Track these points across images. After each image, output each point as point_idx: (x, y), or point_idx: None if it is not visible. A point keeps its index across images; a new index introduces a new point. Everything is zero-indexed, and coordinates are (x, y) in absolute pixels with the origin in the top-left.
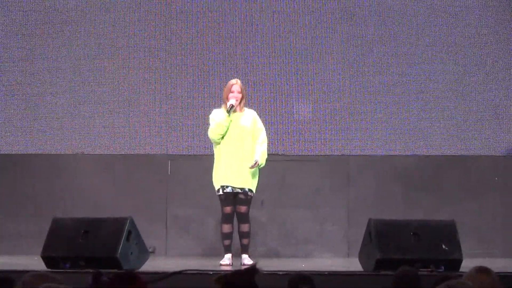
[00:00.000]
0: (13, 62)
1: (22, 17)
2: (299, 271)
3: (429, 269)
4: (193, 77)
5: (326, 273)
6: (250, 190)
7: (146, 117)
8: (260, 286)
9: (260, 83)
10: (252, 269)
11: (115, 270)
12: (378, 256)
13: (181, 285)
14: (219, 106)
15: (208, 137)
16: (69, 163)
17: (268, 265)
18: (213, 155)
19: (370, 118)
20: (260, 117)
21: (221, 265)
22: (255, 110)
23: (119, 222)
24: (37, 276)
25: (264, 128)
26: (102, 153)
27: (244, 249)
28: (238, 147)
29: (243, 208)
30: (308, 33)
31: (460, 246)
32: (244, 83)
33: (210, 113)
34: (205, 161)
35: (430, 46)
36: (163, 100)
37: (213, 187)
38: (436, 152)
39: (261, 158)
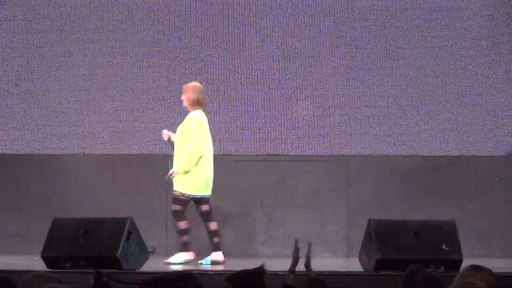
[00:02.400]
0: (14, 62)
1: (23, 17)
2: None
3: (429, 269)
4: (192, 77)
5: (326, 273)
6: (175, 191)
7: (146, 117)
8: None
9: (260, 83)
10: (260, 269)
11: (116, 270)
12: (378, 256)
13: None
14: (218, 106)
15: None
16: (69, 163)
17: (268, 265)
18: (214, 155)
19: (370, 118)
20: (260, 116)
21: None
22: (255, 110)
23: (119, 222)
24: (38, 276)
25: (190, 135)
26: (102, 153)
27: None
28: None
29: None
30: (308, 33)
31: (460, 246)
32: (244, 83)
33: (209, 112)
34: None
35: (430, 46)
36: (163, 100)
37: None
38: (436, 152)
39: (179, 166)
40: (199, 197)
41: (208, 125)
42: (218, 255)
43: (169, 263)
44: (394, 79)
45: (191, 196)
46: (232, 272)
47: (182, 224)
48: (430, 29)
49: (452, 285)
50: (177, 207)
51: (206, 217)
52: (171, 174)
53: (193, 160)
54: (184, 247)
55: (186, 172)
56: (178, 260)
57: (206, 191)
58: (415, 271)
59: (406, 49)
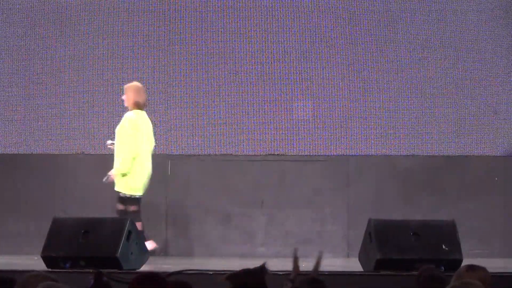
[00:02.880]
0: (14, 62)
1: (22, 17)
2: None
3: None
4: (192, 76)
5: (326, 273)
6: (120, 192)
7: None
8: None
9: (260, 83)
10: (262, 268)
11: (116, 270)
12: (378, 256)
13: None
14: (218, 106)
15: (206, 137)
16: (69, 163)
17: (268, 265)
18: (212, 155)
19: (370, 118)
20: (260, 116)
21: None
22: (255, 110)
23: (119, 222)
24: (36, 276)
25: (125, 136)
26: (102, 153)
27: None
28: None
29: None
30: (309, 33)
31: (460, 246)
32: (244, 82)
33: (209, 112)
34: (205, 161)
35: (430, 46)
36: (163, 100)
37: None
38: (436, 152)
39: (116, 169)
40: (133, 197)
41: (149, 125)
42: (149, 245)
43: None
44: (394, 79)
45: (133, 196)
46: (233, 272)
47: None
48: (431, 29)
49: (449, 285)
50: (121, 207)
51: (134, 217)
52: (108, 177)
53: (127, 163)
54: None
55: (124, 175)
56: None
57: (142, 191)
58: (431, 272)
59: (406, 49)
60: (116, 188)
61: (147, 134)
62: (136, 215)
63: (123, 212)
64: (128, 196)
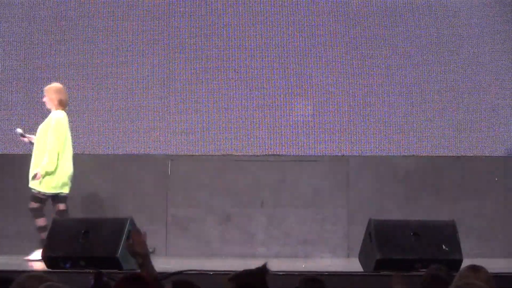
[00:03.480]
0: (13, 62)
1: (22, 17)
2: (310, 273)
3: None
4: (192, 76)
5: (326, 273)
6: (33, 189)
7: (146, 117)
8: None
9: (260, 82)
10: (263, 269)
11: (116, 270)
12: (378, 256)
13: None
14: (218, 106)
15: (206, 137)
16: None
17: (269, 265)
18: (212, 155)
19: (370, 118)
20: (260, 116)
21: (29, 260)
22: (255, 109)
23: (119, 222)
24: (33, 277)
25: (52, 137)
26: (102, 153)
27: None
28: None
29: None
30: (308, 32)
31: (460, 246)
32: (244, 83)
33: (209, 112)
34: (205, 161)
35: (430, 46)
36: (163, 100)
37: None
38: (436, 153)
39: (41, 168)
40: (55, 194)
41: (68, 125)
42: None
43: (29, 260)
44: (394, 79)
45: (47, 194)
46: (235, 272)
47: (41, 222)
48: (431, 29)
49: (452, 285)
50: (35, 205)
51: (61, 216)
52: (35, 176)
53: (54, 160)
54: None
55: (49, 173)
56: (38, 257)
57: (63, 189)
58: (437, 272)
59: (406, 49)
60: (33, 187)
61: (68, 134)
62: (64, 213)
63: (37, 210)
64: (48, 194)
